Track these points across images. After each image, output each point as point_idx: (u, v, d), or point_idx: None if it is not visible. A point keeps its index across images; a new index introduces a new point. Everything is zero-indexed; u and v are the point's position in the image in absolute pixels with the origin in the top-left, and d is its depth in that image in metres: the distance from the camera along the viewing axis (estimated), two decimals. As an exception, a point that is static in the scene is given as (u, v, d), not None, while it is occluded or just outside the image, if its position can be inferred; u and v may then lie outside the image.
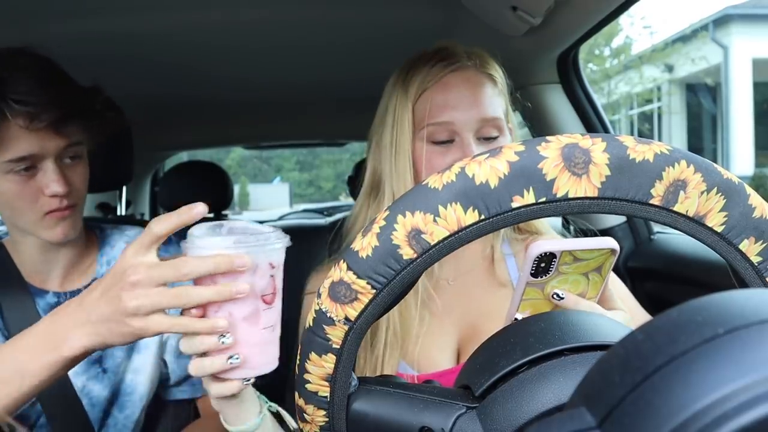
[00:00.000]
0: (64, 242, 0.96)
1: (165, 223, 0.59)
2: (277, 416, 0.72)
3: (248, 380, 0.62)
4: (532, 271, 0.59)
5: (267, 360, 0.61)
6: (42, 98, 0.85)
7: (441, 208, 0.38)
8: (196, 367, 0.59)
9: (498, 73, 0.88)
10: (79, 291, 1.05)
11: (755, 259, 0.40)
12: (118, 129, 1.03)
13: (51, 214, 0.91)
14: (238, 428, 0.67)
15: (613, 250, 0.59)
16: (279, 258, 0.61)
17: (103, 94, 0.98)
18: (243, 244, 0.58)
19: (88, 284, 1.06)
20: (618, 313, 0.65)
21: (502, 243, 0.94)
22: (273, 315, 0.61)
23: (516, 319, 0.63)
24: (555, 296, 0.61)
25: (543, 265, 0.59)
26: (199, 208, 0.59)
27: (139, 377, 1.06)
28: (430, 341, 0.85)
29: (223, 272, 0.57)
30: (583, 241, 0.59)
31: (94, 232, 1.10)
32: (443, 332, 0.87)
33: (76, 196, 0.94)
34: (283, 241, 0.60)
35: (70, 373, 1.00)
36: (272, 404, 0.71)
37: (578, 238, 0.60)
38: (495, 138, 0.85)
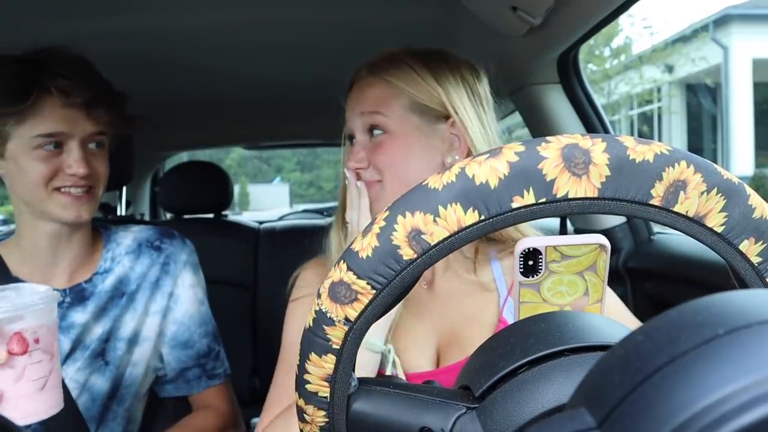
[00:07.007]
0: (76, 225, 1.02)
1: None
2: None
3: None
4: (521, 270, 0.59)
5: (42, 408, 0.64)
6: (82, 77, 0.96)
7: (441, 209, 0.38)
8: None
9: (399, 75, 0.88)
10: (79, 285, 1.05)
11: (755, 260, 0.40)
12: (136, 131, 1.13)
13: (62, 192, 0.97)
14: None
15: (601, 246, 0.58)
16: (29, 322, 0.63)
17: (127, 100, 1.08)
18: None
19: (89, 279, 1.06)
20: None
21: (488, 246, 0.93)
22: (42, 368, 0.64)
23: None
24: None
25: (531, 263, 0.58)
26: None
27: (138, 370, 1.08)
28: (410, 343, 0.85)
29: None
30: (568, 237, 0.58)
31: (99, 230, 1.13)
32: (423, 334, 0.87)
33: (95, 180, 1.01)
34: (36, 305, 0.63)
35: (73, 368, 1.01)
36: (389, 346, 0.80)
37: (565, 235, 0.59)
38: (380, 133, 0.87)
